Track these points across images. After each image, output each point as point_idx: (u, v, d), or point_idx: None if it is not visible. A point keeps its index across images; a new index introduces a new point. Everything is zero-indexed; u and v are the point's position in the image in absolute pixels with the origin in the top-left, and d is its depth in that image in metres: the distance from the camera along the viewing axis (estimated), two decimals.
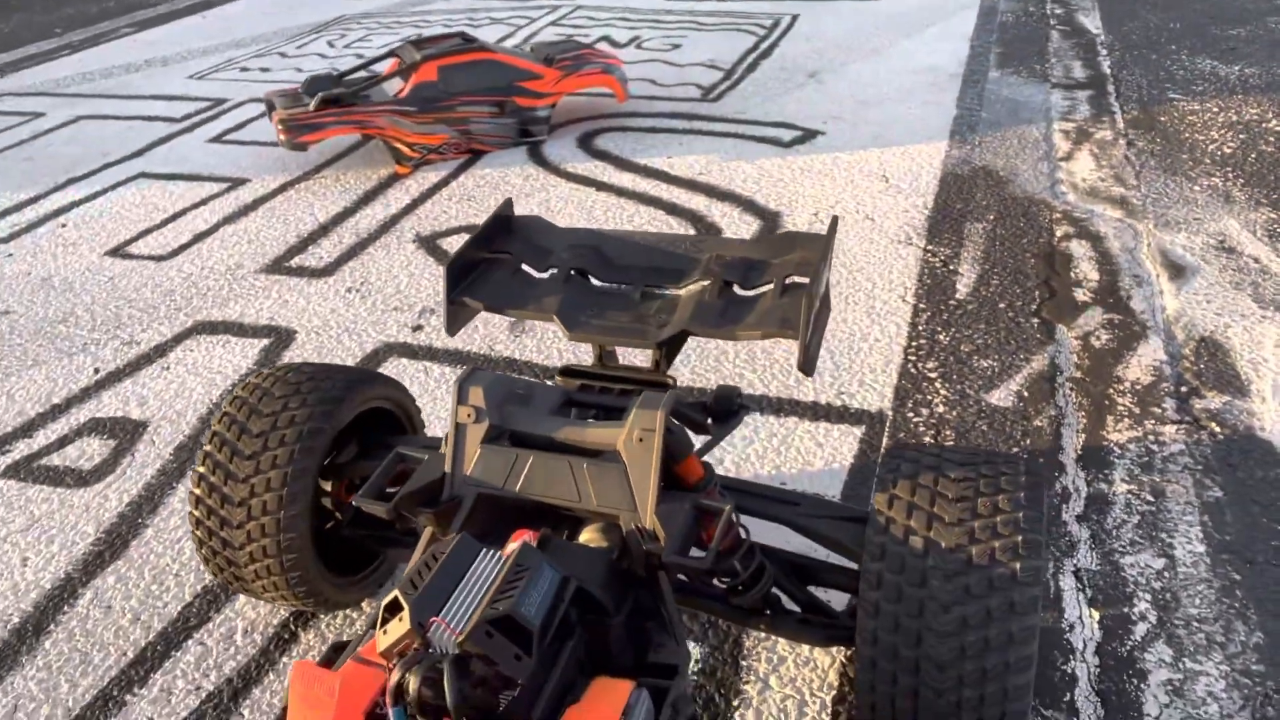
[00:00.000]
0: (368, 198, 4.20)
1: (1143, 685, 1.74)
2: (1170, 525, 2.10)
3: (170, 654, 1.96)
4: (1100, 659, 1.80)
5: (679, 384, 1.79)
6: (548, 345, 2.97)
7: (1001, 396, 2.57)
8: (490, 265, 1.97)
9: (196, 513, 1.80)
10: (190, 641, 1.99)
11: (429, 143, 4.46)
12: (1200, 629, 1.84)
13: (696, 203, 3.88)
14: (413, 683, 1.20)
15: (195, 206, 4.23)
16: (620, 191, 4.06)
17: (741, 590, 1.67)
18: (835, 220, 1.83)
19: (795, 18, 6.66)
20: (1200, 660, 1.78)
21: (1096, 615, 1.89)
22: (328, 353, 3.02)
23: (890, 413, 2.53)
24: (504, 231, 2.04)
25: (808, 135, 4.52)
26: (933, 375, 2.68)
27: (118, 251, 3.84)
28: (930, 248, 3.39)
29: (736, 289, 1.83)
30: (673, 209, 3.83)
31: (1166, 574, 1.97)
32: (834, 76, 5.36)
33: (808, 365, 1.66)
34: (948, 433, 2.44)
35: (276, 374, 1.90)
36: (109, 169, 4.75)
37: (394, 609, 1.29)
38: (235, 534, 1.78)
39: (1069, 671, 1.78)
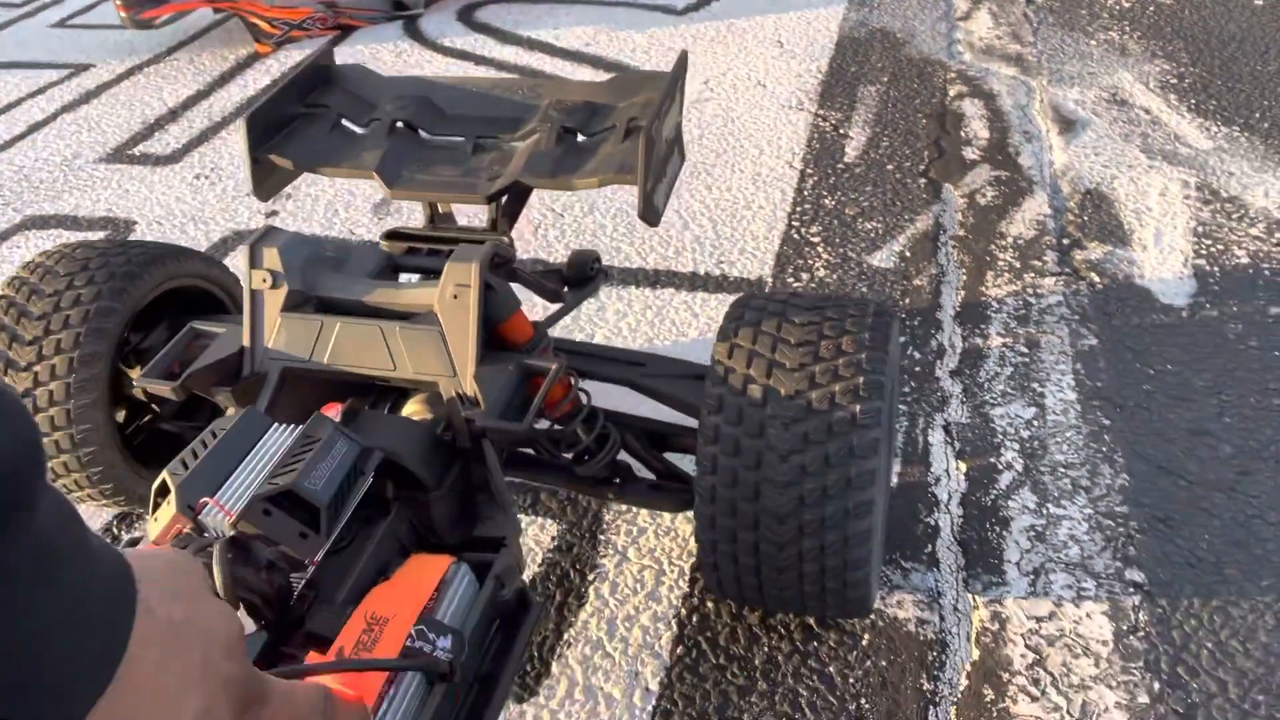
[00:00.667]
0: (224, 79, 3.86)
1: (1005, 532, 1.70)
2: (1043, 375, 2.05)
3: None
4: (964, 510, 1.74)
5: (514, 244, 1.63)
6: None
7: (883, 258, 2.47)
8: (305, 120, 1.75)
9: None
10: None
11: (291, 17, 4.09)
12: (1066, 475, 1.80)
13: (582, 76, 3.64)
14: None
15: (32, 95, 3.83)
16: (500, 66, 3.79)
17: (587, 459, 1.56)
18: (684, 55, 1.66)
19: None
20: (1064, 505, 1.74)
21: (964, 467, 1.83)
22: (172, 241, 2.77)
23: (770, 279, 2.42)
24: (321, 83, 1.82)
25: (702, 2, 4.27)
26: (815, 240, 2.56)
27: None
28: (821, 112, 3.24)
29: (578, 136, 1.66)
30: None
31: (1035, 423, 1.93)
32: None
33: (650, 213, 1.51)
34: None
35: (64, 251, 1.69)
36: None
37: (164, 492, 1.14)
38: None
39: (932, 523, 1.72)
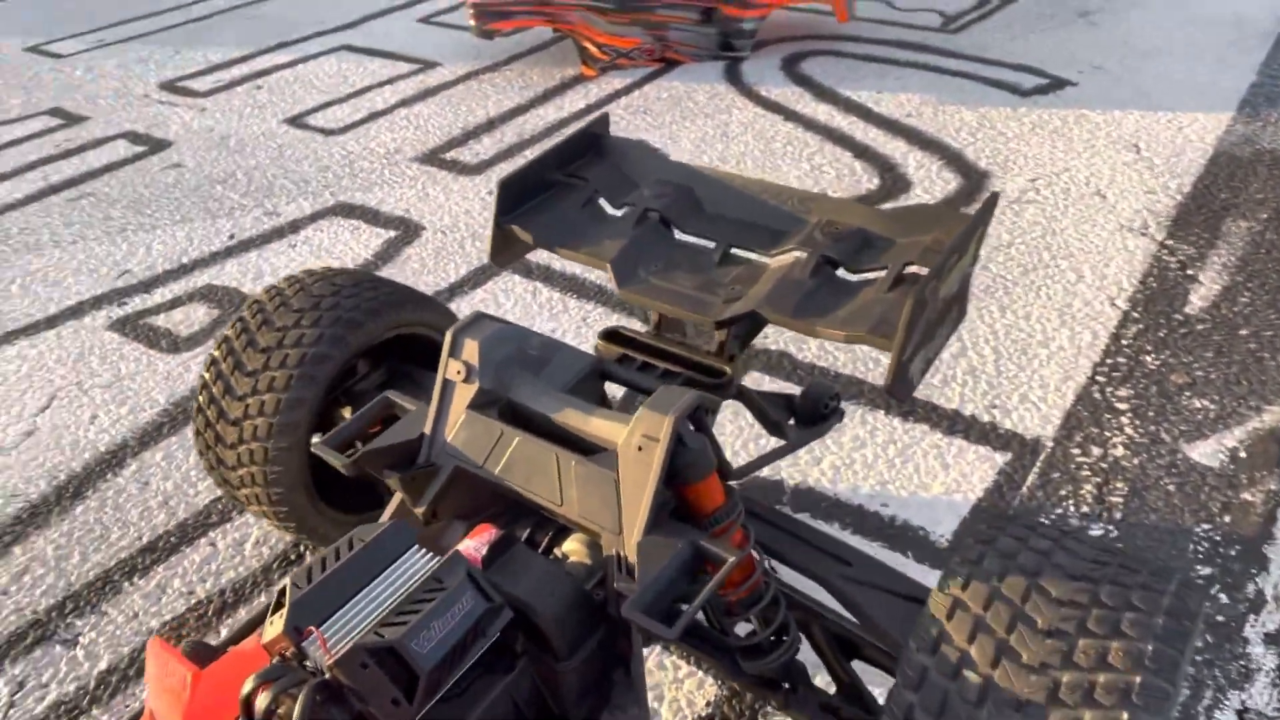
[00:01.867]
0: (545, 97, 3.97)
1: None
2: None
3: (180, 549, 1.88)
4: None
5: (739, 376, 1.42)
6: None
7: (1208, 452, 1.98)
8: (561, 190, 1.65)
9: (197, 421, 1.66)
10: (203, 540, 1.90)
11: (620, 45, 4.14)
12: None
13: (892, 149, 3.34)
14: (261, 700, 0.97)
15: (380, 85, 4.17)
16: (809, 124, 3.57)
17: (756, 653, 1.32)
18: (993, 198, 1.36)
19: None
20: None
21: None
22: (446, 255, 2.85)
23: (1050, 444, 2.02)
24: (590, 151, 1.71)
25: (1054, 85, 3.79)
26: (1122, 407, 2.11)
27: (295, 120, 3.85)
28: (1169, 243, 2.71)
29: (839, 270, 1.42)
30: (861, 152, 3.32)
31: None
32: (1111, 18, 4.49)
33: (899, 388, 1.24)
34: (1118, 485, 1.90)
35: (302, 281, 1.70)
36: (319, 37, 4.80)
37: (280, 603, 1.06)
38: (228, 453, 1.62)
39: None
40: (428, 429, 1.34)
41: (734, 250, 1.51)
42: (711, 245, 1.52)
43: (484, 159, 3.46)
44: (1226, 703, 1.51)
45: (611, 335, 1.52)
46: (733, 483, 1.29)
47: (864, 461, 2.00)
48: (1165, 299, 2.47)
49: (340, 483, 1.74)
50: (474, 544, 1.23)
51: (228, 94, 4.15)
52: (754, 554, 1.27)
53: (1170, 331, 2.35)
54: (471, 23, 4.10)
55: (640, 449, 1.16)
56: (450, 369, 1.33)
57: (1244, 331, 2.33)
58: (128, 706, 1.58)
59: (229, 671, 1.09)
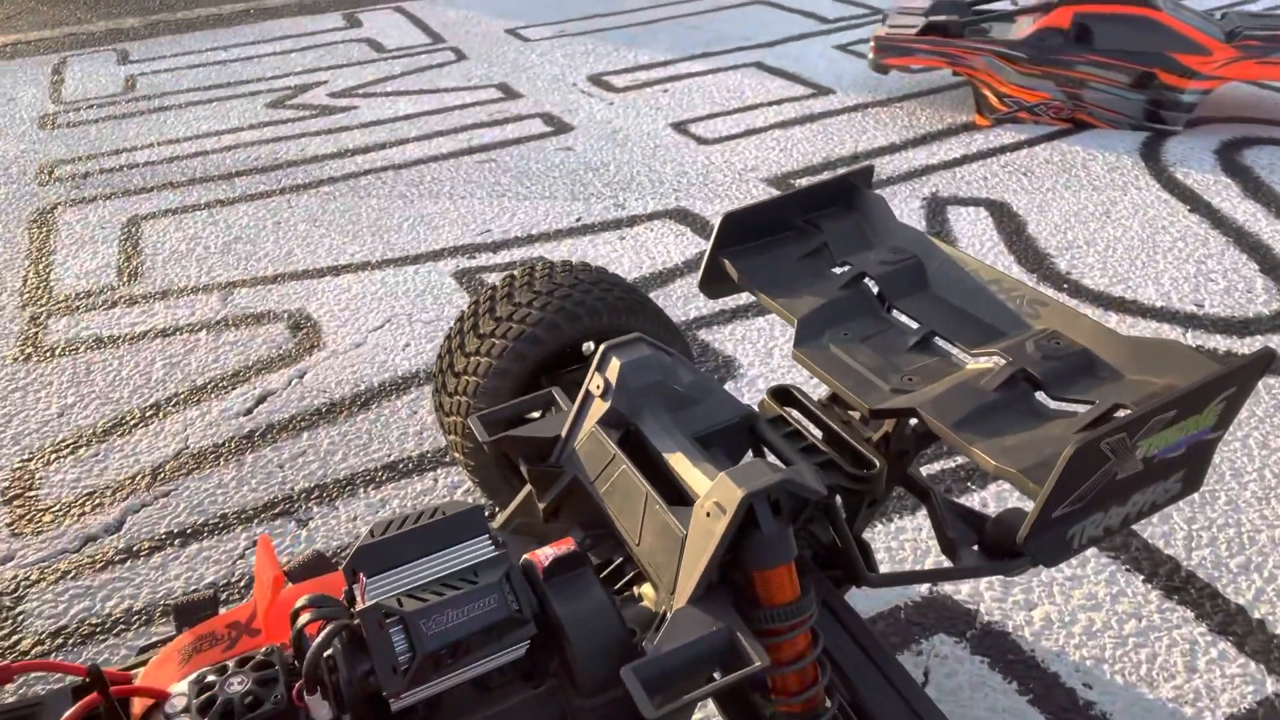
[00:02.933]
0: (921, 140, 3.79)
1: None
2: None
3: (411, 475, 2.13)
4: None
5: (918, 478, 1.27)
6: None
7: None
8: (793, 235, 1.60)
9: (438, 366, 1.87)
10: (430, 474, 2.13)
11: (1025, 98, 3.81)
12: None
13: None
14: (303, 618, 1.10)
15: (770, 104, 4.28)
16: (1219, 221, 3.01)
17: None
18: (1268, 355, 1.08)
19: None
20: None
21: None
22: None
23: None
24: (837, 202, 1.63)
25: None
26: (1263, 614, 1.52)
27: (680, 126, 4.10)
28: None
29: (1039, 390, 1.21)
30: (1271, 268, 2.73)
31: None
32: None
33: (1035, 545, 1.05)
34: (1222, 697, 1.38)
35: (557, 268, 1.83)
36: (738, 52, 5.03)
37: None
38: (448, 400, 1.80)
39: None
40: (563, 432, 1.39)
41: (936, 339, 1.35)
42: (915, 327, 1.38)
43: None
44: None
45: (780, 394, 1.44)
46: (865, 586, 1.17)
47: (1087, 627, 1.67)
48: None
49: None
50: (549, 552, 1.25)
51: (638, 93, 4.53)
52: (818, 667, 1.14)
53: None
54: (870, 55, 4.03)
55: (709, 515, 1.10)
56: (593, 381, 1.35)
57: None
58: None
59: (312, 589, 1.23)
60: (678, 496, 1.20)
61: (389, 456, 2.19)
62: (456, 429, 1.77)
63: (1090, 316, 1.30)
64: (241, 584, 1.87)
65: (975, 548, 1.28)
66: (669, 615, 1.12)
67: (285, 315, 2.78)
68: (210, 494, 2.10)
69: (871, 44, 4.01)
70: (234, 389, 2.44)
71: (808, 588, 1.13)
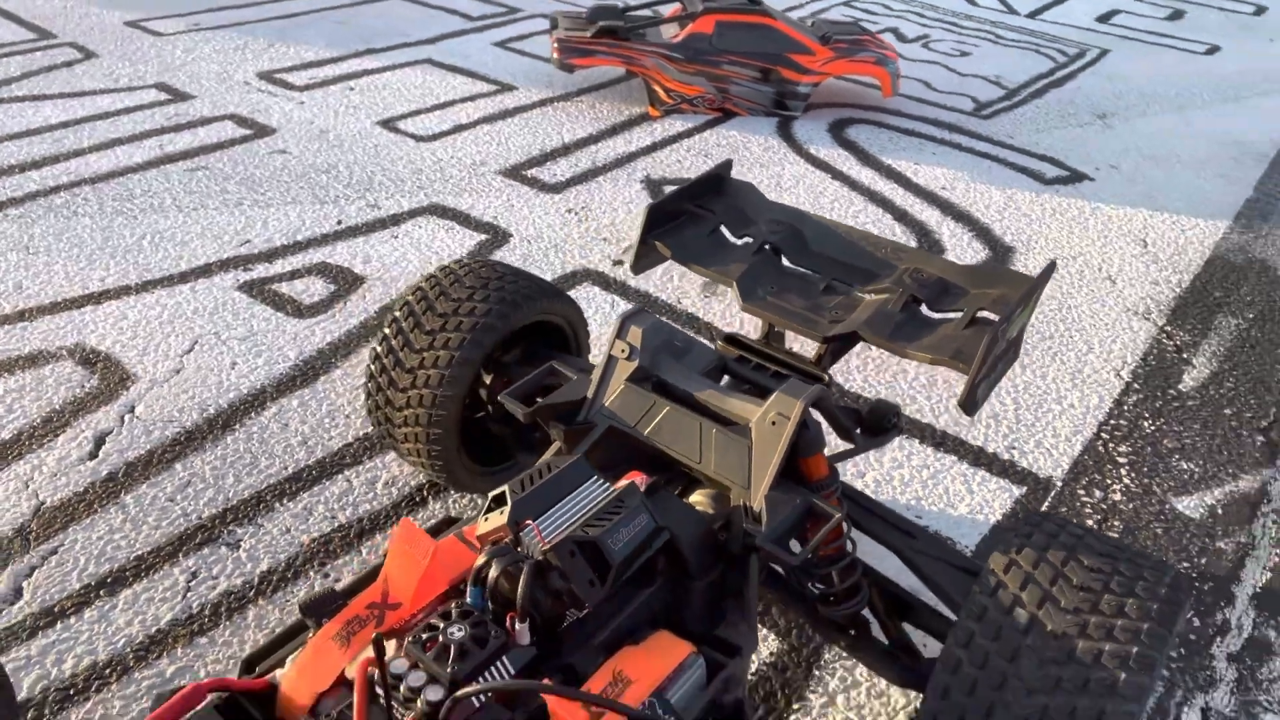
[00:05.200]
0: (613, 130, 4.34)
1: None
2: None
3: (320, 481, 2.19)
4: None
5: (834, 384, 1.77)
6: (733, 315, 2.99)
7: (1191, 505, 2.34)
8: (691, 219, 2.01)
9: (373, 367, 1.98)
10: (340, 476, 2.21)
11: (686, 92, 4.53)
12: None
13: (928, 216, 3.73)
14: (493, 571, 1.28)
15: (464, 101, 4.54)
16: (854, 185, 3.97)
17: (832, 601, 1.65)
18: (1051, 266, 1.73)
19: (1104, 53, 6.16)
20: None
21: None
22: (532, 262, 3.19)
23: (1060, 484, 2.38)
24: (714, 190, 2.07)
25: (1074, 177, 4.22)
26: (1121, 460, 2.48)
27: (388, 124, 4.20)
28: (1168, 329, 3.10)
29: (922, 308, 1.77)
30: (901, 216, 3.71)
31: None
32: (1125, 124, 4.94)
33: (970, 405, 1.60)
34: (1115, 523, 2.26)
35: (473, 266, 2.04)
36: (403, 48, 5.17)
37: (499, 501, 1.37)
38: (397, 396, 1.94)
39: None
40: (590, 393, 1.68)
41: (834, 282, 1.87)
42: (817, 276, 1.88)
43: (561, 180, 3.81)
44: (1194, 701, 1.85)
45: (731, 340, 1.87)
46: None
47: (901, 480, 2.34)
48: (1162, 376, 2.85)
49: (473, 439, 2.06)
50: (638, 480, 1.56)
51: (323, 91, 4.50)
52: (844, 526, 1.61)
53: (1165, 404, 2.72)
54: (555, 55, 4.48)
55: (774, 423, 1.51)
56: (616, 347, 1.67)
57: (1227, 411, 2.72)
58: (287, 601, 1.88)
59: (449, 554, 1.41)
60: (718, 422, 1.58)
61: (286, 469, 2.21)
62: (416, 420, 1.93)
63: (931, 254, 1.89)
64: (205, 614, 1.83)
65: (859, 430, 1.83)
66: (749, 505, 1.50)
67: (64, 352, 2.52)
68: (107, 540, 1.97)
69: (555, 46, 4.46)
70: (58, 435, 2.23)
71: (832, 465, 1.60)
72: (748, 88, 4.58)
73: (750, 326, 2.92)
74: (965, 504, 2.28)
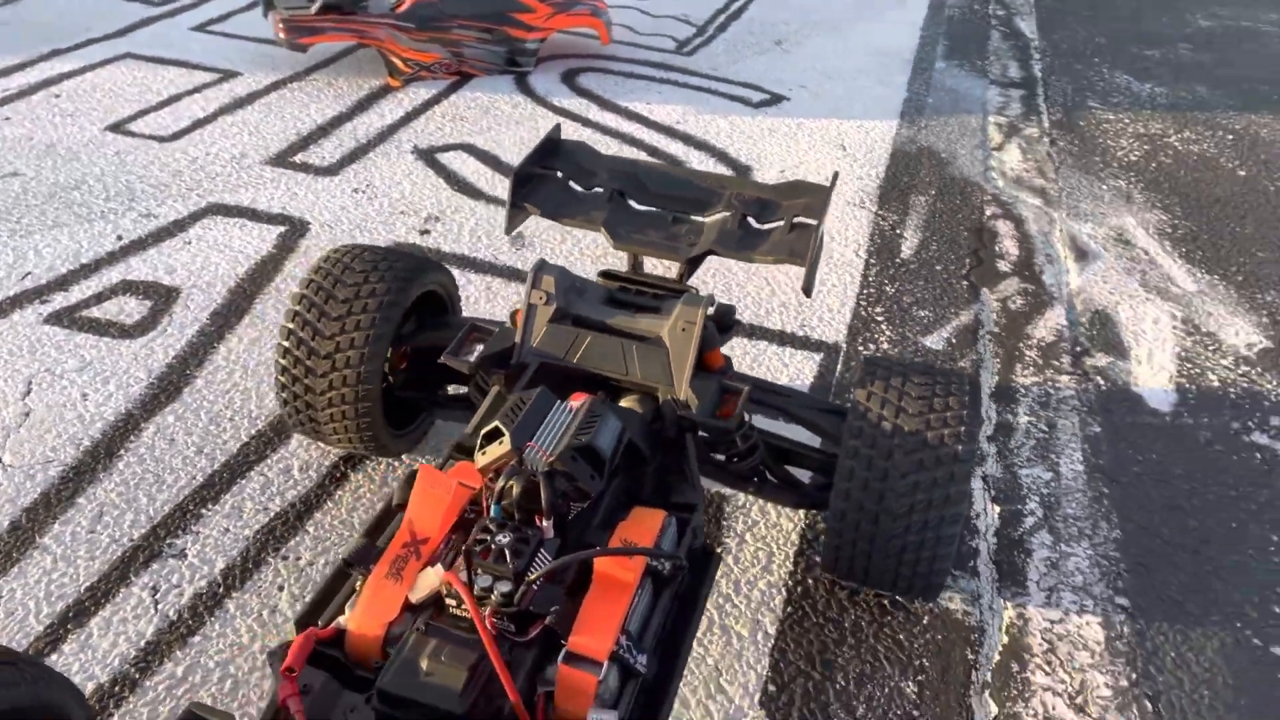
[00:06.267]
0: (361, 105, 4.41)
1: (1028, 559, 2.27)
2: (1058, 449, 2.64)
3: (236, 481, 2.28)
4: (998, 540, 2.31)
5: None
6: (548, 258, 3.31)
7: (934, 341, 3.07)
8: (540, 180, 2.32)
9: (284, 361, 2.12)
10: (253, 473, 2.31)
11: (422, 60, 4.67)
12: (1074, 524, 2.38)
13: (675, 149, 4.25)
14: (515, 487, 1.58)
15: (190, 93, 4.35)
16: (604, 130, 4.39)
17: (737, 460, 2.11)
18: (836, 175, 2.25)
19: None
20: (1072, 546, 2.32)
21: (997, 509, 2.40)
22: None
23: (844, 345, 3.00)
24: (553, 152, 2.38)
25: (774, 99, 4.93)
26: (879, 319, 3.16)
27: (118, 128, 3.97)
28: (881, 212, 3.86)
29: (752, 221, 2.24)
30: (653, 152, 4.19)
31: (1052, 484, 2.51)
32: (798, 47, 5.76)
33: (809, 288, 2.09)
34: None
35: (354, 252, 2.21)
36: (93, 44, 4.78)
37: (492, 437, 1.66)
38: (318, 382, 2.10)
39: (974, 546, 2.29)
40: (518, 339, 1.98)
41: (679, 214, 2.28)
42: (662, 212, 2.28)
43: (333, 162, 3.87)
44: (975, 472, 2.54)
45: (607, 275, 2.23)
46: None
47: (736, 365, 2.84)
48: (887, 250, 3.59)
49: (386, 407, 2.26)
50: (586, 400, 1.89)
51: (25, 103, 4.11)
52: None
53: (895, 271, 3.46)
54: (281, 36, 4.42)
55: (683, 330, 1.91)
56: (533, 296, 1.97)
57: (938, 268, 3.50)
58: (262, 591, 2.02)
59: (458, 479, 1.67)
60: (637, 338, 1.95)
61: (195, 478, 2.27)
62: (343, 399, 2.11)
63: (745, 178, 2.34)
64: (185, 618, 1.92)
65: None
66: (675, 397, 1.90)
67: None
68: (47, 581, 1.96)
69: (280, 27, 4.39)
70: None
71: (725, 355, 2.04)
72: (480, 49, 4.81)
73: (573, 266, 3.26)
74: (784, 375, 2.84)
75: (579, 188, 2.33)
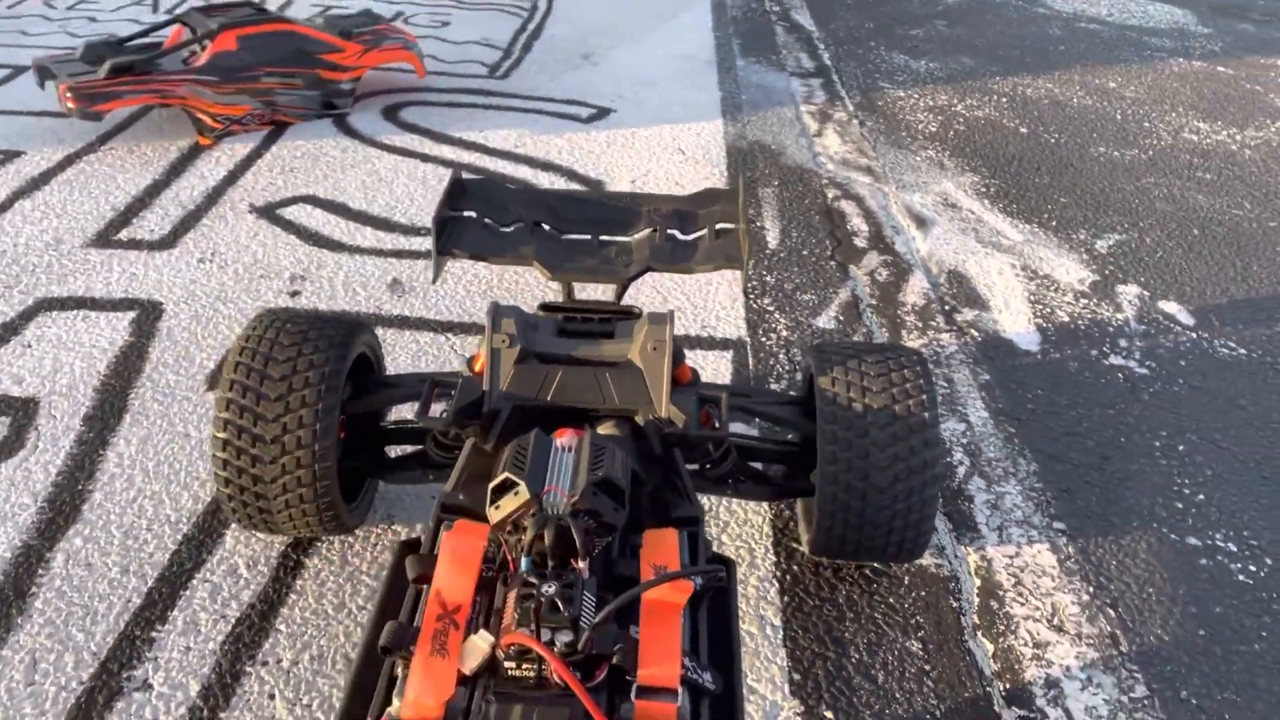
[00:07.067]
0: (176, 169, 4.08)
1: (972, 505, 2.46)
2: (962, 400, 2.87)
3: (179, 594, 2.07)
4: (941, 493, 2.49)
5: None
6: (433, 303, 3.22)
7: (825, 320, 3.25)
8: (456, 223, 2.27)
9: (224, 455, 1.94)
10: (195, 581, 2.10)
11: (233, 113, 4.39)
12: (998, 465, 2.61)
13: (523, 173, 4.23)
14: (548, 535, 1.55)
15: None
16: (445, 163, 4.30)
17: (712, 466, 2.15)
18: (740, 179, 2.35)
19: (551, 1, 7.08)
20: (1004, 485, 2.54)
21: None
22: (207, 321, 3.05)
23: (748, 339, 3.12)
24: (462, 194, 2.33)
25: (602, 112, 5.01)
26: (771, 309, 3.30)
27: None
28: None
29: (677, 234, 2.29)
30: (504, 180, 4.15)
31: (968, 433, 2.73)
32: (605, 59, 5.88)
33: (747, 290, 2.17)
34: (795, 350, 3.07)
35: (277, 323, 2.06)
36: None
37: (503, 489, 1.61)
38: (268, 469, 1.95)
39: None
40: (486, 386, 1.92)
41: (604, 237, 2.30)
42: (588, 237, 2.29)
43: (165, 233, 3.56)
44: None
45: (547, 306, 2.21)
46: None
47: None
48: (757, 243, 3.75)
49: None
50: (580, 437, 1.87)
51: None
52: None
53: (771, 261, 3.62)
54: (71, 106, 4.01)
55: (654, 349, 1.93)
56: (495, 341, 1.93)
57: (805, 252, 3.70)
58: (254, 705, 1.85)
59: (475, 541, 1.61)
60: (608, 365, 1.96)
61: (131, 600, 2.04)
62: (299, 482, 1.97)
63: (658, 194, 2.37)
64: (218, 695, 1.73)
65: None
66: (658, 415, 1.93)
67: None
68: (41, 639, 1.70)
69: (68, 97, 3.98)
70: None
71: (692, 367, 2.08)
72: (293, 95, 4.57)
73: (464, 308, 3.19)
74: (707, 375, 2.91)
75: (498, 225, 2.30)
